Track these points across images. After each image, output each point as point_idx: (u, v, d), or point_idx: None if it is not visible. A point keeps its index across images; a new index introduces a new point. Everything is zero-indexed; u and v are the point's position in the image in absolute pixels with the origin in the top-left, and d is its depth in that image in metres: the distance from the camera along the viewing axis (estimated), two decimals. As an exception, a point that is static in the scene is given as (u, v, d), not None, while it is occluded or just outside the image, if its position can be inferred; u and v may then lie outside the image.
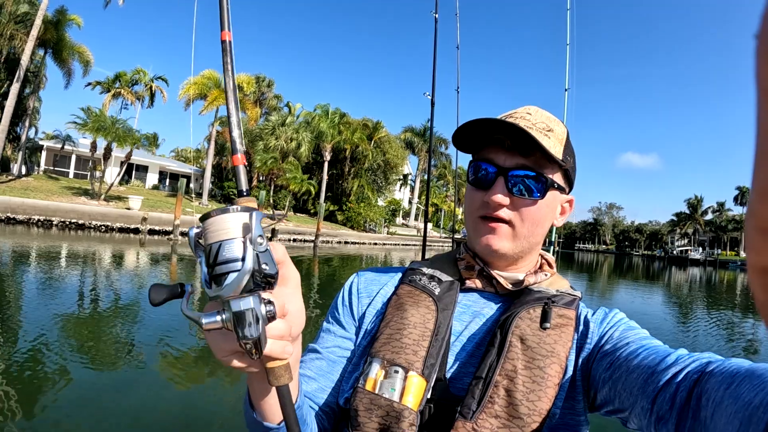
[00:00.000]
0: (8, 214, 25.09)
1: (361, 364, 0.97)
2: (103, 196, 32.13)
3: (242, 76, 40.52)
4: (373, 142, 49.67)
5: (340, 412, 0.98)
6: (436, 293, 1.01)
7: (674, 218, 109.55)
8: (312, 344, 1.07)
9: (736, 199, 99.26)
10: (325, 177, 46.44)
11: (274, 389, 0.69)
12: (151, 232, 27.91)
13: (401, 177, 59.66)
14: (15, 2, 31.75)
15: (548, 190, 0.96)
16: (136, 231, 27.87)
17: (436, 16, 4.85)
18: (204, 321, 0.56)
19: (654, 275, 42.63)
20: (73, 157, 46.20)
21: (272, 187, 44.44)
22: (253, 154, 41.27)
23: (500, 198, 0.94)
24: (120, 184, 35.41)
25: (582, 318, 0.98)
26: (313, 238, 36.11)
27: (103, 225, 27.39)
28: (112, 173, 37.20)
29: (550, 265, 1.08)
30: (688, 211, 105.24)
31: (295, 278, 0.66)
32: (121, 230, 27.72)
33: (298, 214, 46.74)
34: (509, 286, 1.01)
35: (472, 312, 1.02)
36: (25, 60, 30.12)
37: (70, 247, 19.16)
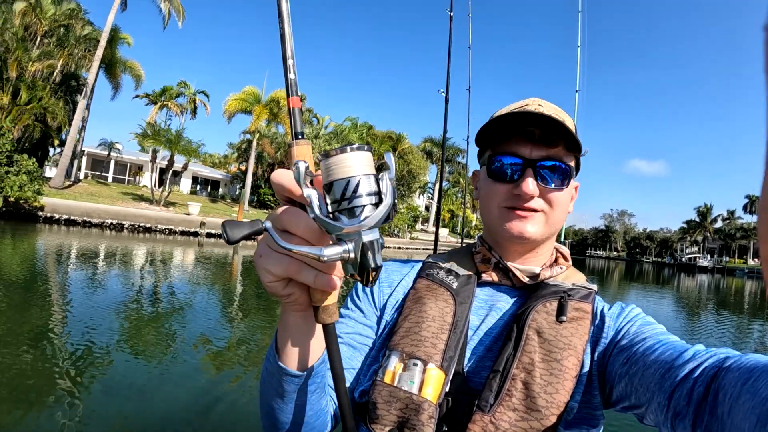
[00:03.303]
0: (84, 218, 28.75)
1: (379, 356, 0.98)
2: (162, 202, 35.46)
3: (281, 91, 43.75)
4: (397, 152, 52.90)
5: (354, 405, 0.96)
6: (454, 287, 1.02)
7: (684, 226, 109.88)
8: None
9: (745, 207, 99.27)
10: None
11: (308, 334, 0.73)
12: (209, 235, 31.40)
13: (422, 186, 62.60)
14: (82, 26, 35.28)
15: (571, 178, 1.00)
16: (195, 234, 31.39)
17: (451, 14, 4.98)
18: (325, 253, 0.55)
19: (663, 281, 44.19)
20: (112, 163, 50.49)
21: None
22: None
23: (532, 189, 0.95)
24: (163, 189, 38.85)
25: (598, 312, 0.98)
26: None
27: (167, 228, 30.95)
28: (155, 179, 41.05)
29: (565, 258, 1.09)
30: (698, 219, 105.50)
31: None
32: (182, 233, 31.28)
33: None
34: (525, 280, 1.01)
35: (489, 305, 1.02)
36: (91, 78, 33.96)
37: (142, 248, 22.27)
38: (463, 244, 1.24)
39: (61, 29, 34.00)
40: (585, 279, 1.06)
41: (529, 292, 1.02)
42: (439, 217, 6.42)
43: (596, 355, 0.91)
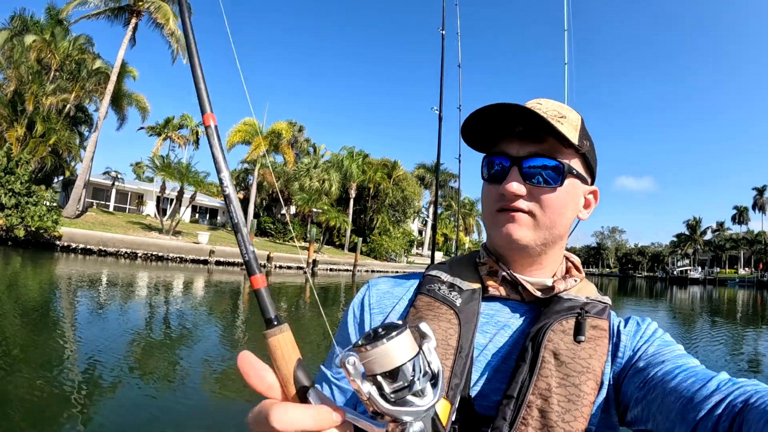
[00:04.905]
0: (100, 247, 29.92)
1: None
2: (171, 232, 36.77)
3: (282, 123, 45.62)
4: (392, 180, 54.58)
5: None
6: (458, 304, 0.93)
7: (675, 239, 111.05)
8: (323, 368, 1.01)
9: (734, 218, 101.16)
10: (351, 212, 51.36)
11: None
12: (218, 263, 32.63)
13: (417, 211, 64.14)
14: (93, 60, 36.92)
15: (566, 176, 0.91)
16: (205, 262, 32.54)
17: (443, 32, 4.97)
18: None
19: (656, 295, 45.69)
20: (113, 192, 51.91)
21: (307, 222, 49.82)
22: (292, 194, 46.88)
23: (516, 187, 0.89)
24: (171, 219, 40.21)
25: (615, 329, 0.92)
26: (346, 268, 41.75)
27: (179, 257, 32.12)
28: (165, 209, 42.50)
29: (577, 269, 1.02)
30: (687, 232, 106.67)
31: None
32: (193, 261, 32.44)
33: (326, 246, 51.27)
34: (537, 293, 0.94)
35: (496, 322, 0.95)
36: (102, 112, 35.22)
37: (156, 275, 23.33)
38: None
39: (73, 64, 35.51)
40: (596, 291, 0.98)
41: (540, 307, 0.95)
42: (434, 232, 6.87)
43: (612, 374, 0.87)
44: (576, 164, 0.94)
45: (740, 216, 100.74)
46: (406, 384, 0.53)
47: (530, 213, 0.91)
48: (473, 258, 1.05)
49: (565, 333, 0.86)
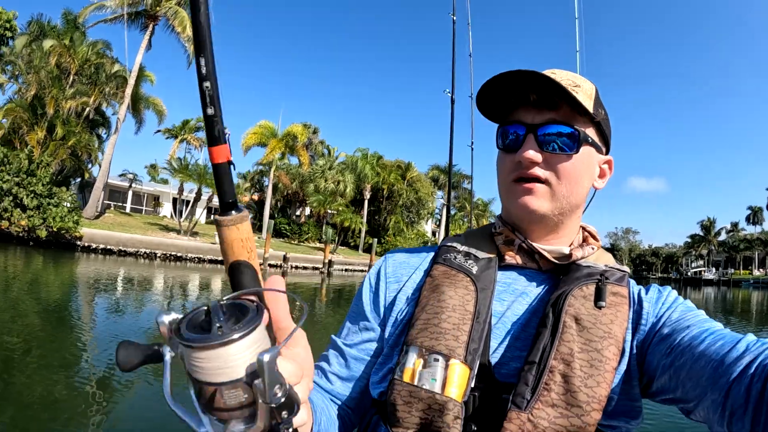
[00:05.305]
0: (120, 247, 30.37)
1: (394, 354, 0.91)
2: (189, 233, 37.21)
3: (297, 126, 46.00)
4: (405, 181, 54.82)
5: (374, 405, 0.93)
6: (474, 272, 0.94)
7: (689, 240, 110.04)
8: (335, 337, 1.02)
9: (748, 218, 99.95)
10: (365, 213, 51.67)
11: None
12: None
13: (431, 212, 64.25)
14: (111, 64, 37.43)
15: (582, 144, 0.90)
16: (222, 262, 32.78)
17: (454, 18, 4.92)
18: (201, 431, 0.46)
19: None
20: (130, 194, 52.65)
21: (322, 223, 50.23)
22: (307, 195, 47.38)
23: (532, 154, 0.88)
24: (188, 220, 40.68)
25: (635, 296, 0.91)
26: (360, 268, 42.46)
27: (197, 257, 32.49)
28: (180, 210, 43.16)
29: (594, 238, 1.02)
30: (701, 233, 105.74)
31: (302, 335, 0.57)
32: (210, 261, 32.80)
33: (341, 247, 51.53)
34: (554, 261, 0.95)
35: (514, 290, 0.95)
36: (121, 115, 35.62)
37: (175, 275, 23.77)
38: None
39: (92, 68, 36.00)
40: (614, 260, 0.99)
41: (557, 276, 0.95)
42: (448, 212, 7.21)
43: (635, 343, 0.86)
44: (591, 132, 0.94)
45: (755, 216, 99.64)
46: (217, 409, 0.45)
47: (546, 182, 0.91)
48: (488, 229, 1.05)
49: (585, 299, 0.87)
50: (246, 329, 0.43)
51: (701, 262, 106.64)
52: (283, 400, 0.45)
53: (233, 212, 0.53)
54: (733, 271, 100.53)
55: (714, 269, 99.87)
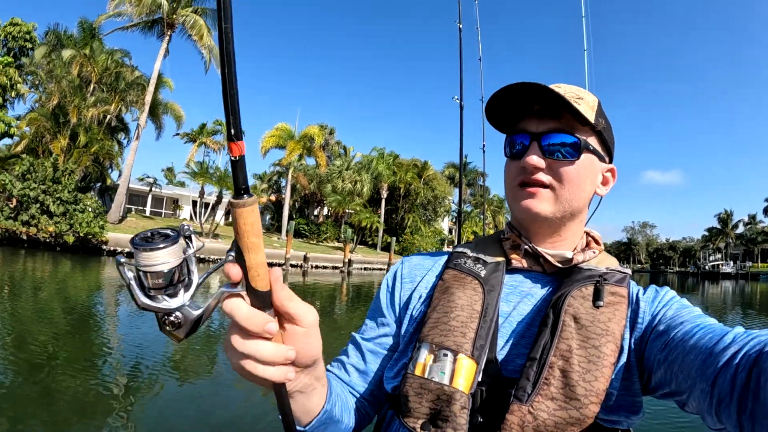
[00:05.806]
0: (146, 253, 30.87)
1: (409, 350, 0.98)
2: (211, 235, 37.72)
3: (314, 127, 46.41)
4: (422, 180, 55.01)
5: (388, 399, 1.00)
6: (482, 275, 1.00)
7: (706, 233, 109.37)
8: (354, 334, 1.10)
9: (766, 210, 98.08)
10: (383, 212, 51.98)
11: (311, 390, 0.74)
12: (257, 264, 33.64)
13: (447, 210, 64.42)
14: (131, 71, 37.95)
15: (583, 151, 0.95)
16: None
17: (461, 26, 4.94)
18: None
19: (688, 290, 45.61)
20: (150, 197, 53.23)
21: (340, 223, 50.71)
22: (325, 196, 47.79)
23: (535, 160, 0.94)
24: (210, 223, 41.21)
25: (634, 296, 0.96)
26: (379, 267, 42.94)
27: (219, 258, 32.51)
28: (200, 213, 43.62)
29: (597, 242, 1.07)
30: (719, 226, 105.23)
31: (308, 316, 0.65)
32: (233, 263, 33.37)
33: (359, 246, 51.78)
34: (557, 265, 1.00)
35: (520, 292, 1.01)
36: (142, 121, 36.02)
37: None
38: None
39: (112, 77, 36.46)
40: (618, 263, 1.04)
41: (561, 278, 1.00)
42: (460, 224, 7.35)
43: (633, 340, 0.90)
44: (593, 141, 0.99)
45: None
46: (164, 284, 0.60)
47: (550, 186, 0.97)
48: (498, 235, 1.12)
49: (584, 298, 0.92)
50: (166, 243, 0.58)
51: (719, 256, 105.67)
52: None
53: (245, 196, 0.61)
54: (751, 264, 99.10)
55: (732, 262, 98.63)
